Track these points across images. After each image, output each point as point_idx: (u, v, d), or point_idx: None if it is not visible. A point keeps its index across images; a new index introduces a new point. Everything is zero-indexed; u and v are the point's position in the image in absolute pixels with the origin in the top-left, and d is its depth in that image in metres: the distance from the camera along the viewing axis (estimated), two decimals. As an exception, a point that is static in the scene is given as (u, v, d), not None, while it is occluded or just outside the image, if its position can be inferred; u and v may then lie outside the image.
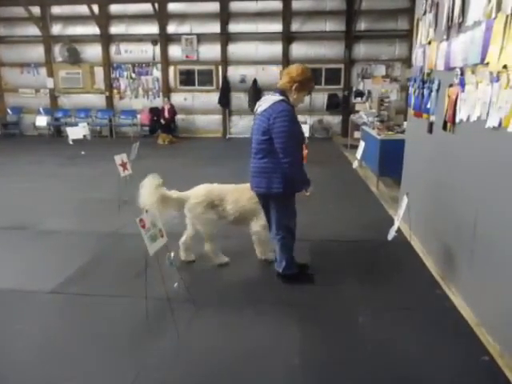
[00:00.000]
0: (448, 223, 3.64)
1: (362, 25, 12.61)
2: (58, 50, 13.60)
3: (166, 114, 12.77)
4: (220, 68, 13.23)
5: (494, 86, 2.73)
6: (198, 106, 13.71)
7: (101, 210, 5.77)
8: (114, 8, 13.14)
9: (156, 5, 12.50)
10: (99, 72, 13.67)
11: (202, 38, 13.07)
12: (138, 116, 13.40)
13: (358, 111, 10.99)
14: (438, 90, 3.88)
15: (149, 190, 3.68)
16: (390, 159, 6.23)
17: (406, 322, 3.07)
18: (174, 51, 13.30)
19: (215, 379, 2.53)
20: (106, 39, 13.30)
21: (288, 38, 12.78)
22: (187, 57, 13.22)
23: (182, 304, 3.21)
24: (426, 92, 4.18)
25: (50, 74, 13.75)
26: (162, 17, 12.88)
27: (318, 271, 3.85)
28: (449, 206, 3.64)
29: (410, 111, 4.82)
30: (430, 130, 4.08)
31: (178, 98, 13.59)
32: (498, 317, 2.76)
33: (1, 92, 14.09)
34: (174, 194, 3.89)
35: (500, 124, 2.66)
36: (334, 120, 13.37)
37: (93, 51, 13.55)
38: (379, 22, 12.53)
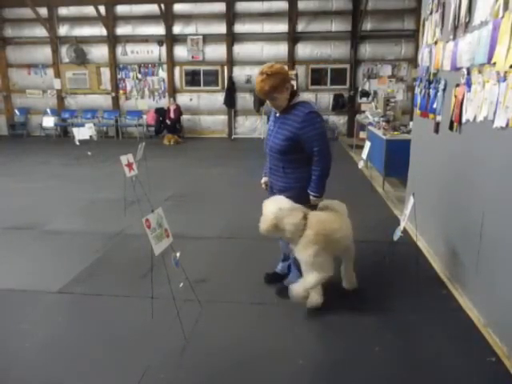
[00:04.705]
0: (454, 223, 3.63)
1: (367, 25, 12.57)
2: (64, 51, 13.67)
3: (172, 115, 12.81)
4: (225, 68, 13.25)
5: (500, 85, 2.71)
6: (204, 107, 13.73)
7: (107, 211, 5.80)
8: (121, 9, 13.21)
9: (162, 5, 12.54)
10: (105, 73, 13.74)
11: (207, 38, 13.09)
12: (144, 117, 13.45)
13: (363, 111, 10.96)
14: (444, 90, 3.86)
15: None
16: (396, 159, 6.21)
17: (412, 323, 3.06)
18: (180, 52, 13.34)
19: (221, 379, 2.54)
20: (113, 40, 13.36)
21: (294, 38, 12.77)
22: (193, 57, 13.25)
23: (188, 304, 3.22)
24: (432, 92, 4.16)
25: (57, 74, 13.84)
26: (167, 17, 12.92)
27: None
28: (455, 207, 3.62)
29: (416, 111, 4.79)
30: (437, 130, 4.06)
31: (183, 99, 13.63)
32: (505, 318, 2.74)
33: (8, 93, 14.20)
34: None
35: (507, 124, 2.64)
36: (340, 120, 13.35)
37: (99, 52, 13.63)
38: (385, 22, 12.49)
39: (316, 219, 3.06)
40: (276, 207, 3.02)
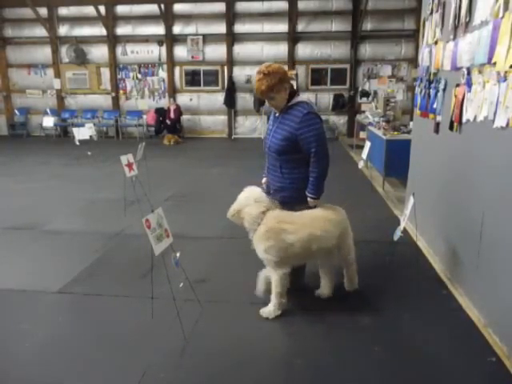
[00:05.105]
0: (454, 223, 3.62)
1: (368, 25, 12.57)
2: (64, 51, 13.68)
3: (172, 115, 12.81)
4: (225, 68, 13.25)
5: (501, 85, 2.71)
6: (204, 107, 13.73)
7: (107, 211, 5.80)
8: (121, 9, 13.21)
9: (162, 5, 12.54)
10: (105, 73, 13.75)
11: (207, 38, 13.09)
12: (144, 117, 13.45)
13: (363, 111, 10.96)
14: (444, 90, 3.86)
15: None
16: (396, 159, 6.22)
17: (412, 323, 3.06)
18: (180, 52, 13.34)
19: (221, 379, 2.54)
20: (113, 40, 13.36)
21: (294, 38, 12.77)
22: (193, 57, 13.25)
23: (188, 304, 3.21)
24: (432, 92, 4.16)
25: (57, 74, 13.84)
26: (167, 17, 12.93)
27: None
28: (455, 207, 3.62)
29: (416, 111, 4.79)
30: (437, 130, 4.06)
31: (183, 99, 13.63)
32: (505, 317, 2.74)
33: (8, 93, 14.20)
34: None
35: (508, 124, 2.64)
36: (340, 120, 13.35)
37: (99, 52, 13.63)
38: (385, 22, 12.49)
39: (272, 216, 3.05)
40: (246, 195, 3.10)
